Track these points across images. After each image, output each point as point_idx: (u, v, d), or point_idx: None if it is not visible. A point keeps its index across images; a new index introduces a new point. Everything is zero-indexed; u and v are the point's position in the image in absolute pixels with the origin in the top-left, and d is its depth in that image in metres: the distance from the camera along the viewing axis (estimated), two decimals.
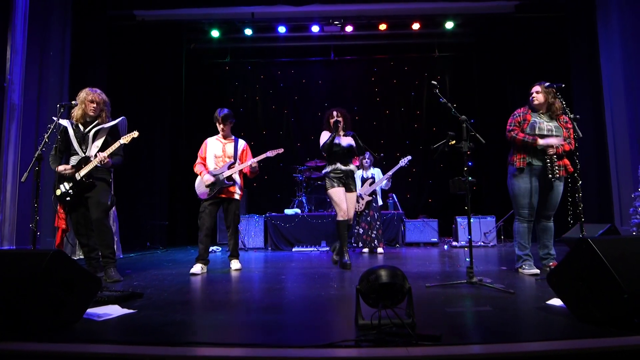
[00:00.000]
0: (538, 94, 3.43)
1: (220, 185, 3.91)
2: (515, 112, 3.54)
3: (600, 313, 1.80)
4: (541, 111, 3.45)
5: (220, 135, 4.15)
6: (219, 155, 4.07)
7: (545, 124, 3.38)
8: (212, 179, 3.92)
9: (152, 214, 7.20)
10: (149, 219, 7.09)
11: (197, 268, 3.82)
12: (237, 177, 4.06)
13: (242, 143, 4.18)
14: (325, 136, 4.21)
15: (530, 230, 3.48)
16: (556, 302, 2.26)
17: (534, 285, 2.94)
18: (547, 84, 3.39)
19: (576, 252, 1.96)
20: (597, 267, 1.80)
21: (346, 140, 4.23)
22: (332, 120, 4.19)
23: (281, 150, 4.10)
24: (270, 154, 4.03)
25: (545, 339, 1.70)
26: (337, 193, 4.14)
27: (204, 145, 4.16)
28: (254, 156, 4.08)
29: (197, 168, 4.08)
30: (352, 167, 4.26)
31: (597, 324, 1.81)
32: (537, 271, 3.34)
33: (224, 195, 3.98)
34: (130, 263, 4.78)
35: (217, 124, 4.10)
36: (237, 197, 4.04)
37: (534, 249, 3.53)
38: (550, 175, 3.30)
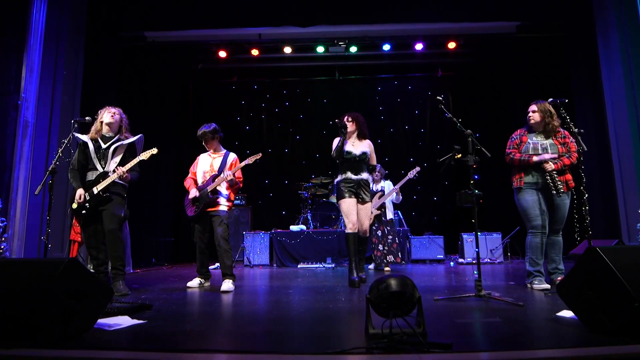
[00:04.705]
0: (534, 113, 3.52)
1: (205, 200, 3.82)
2: (513, 135, 3.64)
3: (611, 322, 1.79)
4: (538, 130, 3.53)
5: (210, 150, 4.10)
6: (206, 171, 3.99)
7: (539, 143, 3.47)
8: (196, 194, 3.85)
9: (157, 231, 7.24)
10: (153, 235, 7.13)
11: (194, 282, 3.92)
12: (223, 190, 3.90)
13: (232, 156, 4.04)
14: (336, 142, 4.03)
15: (543, 245, 3.41)
16: (567, 313, 2.25)
17: (544, 299, 2.92)
18: (551, 99, 3.44)
19: (585, 262, 1.97)
20: (607, 276, 1.81)
21: (359, 148, 4.03)
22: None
23: (259, 156, 3.92)
24: (248, 161, 3.87)
25: (556, 347, 1.70)
26: (346, 204, 3.92)
27: (196, 161, 4.13)
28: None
29: (187, 182, 4.04)
30: (364, 176, 4.02)
31: (607, 333, 1.80)
32: (548, 286, 3.29)
33: (209, 209, 3.86)
34: (136, 278, 4.78)
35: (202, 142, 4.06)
36: (223, 208, 3.86)
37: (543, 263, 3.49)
38: (554, 192, 3.31)
